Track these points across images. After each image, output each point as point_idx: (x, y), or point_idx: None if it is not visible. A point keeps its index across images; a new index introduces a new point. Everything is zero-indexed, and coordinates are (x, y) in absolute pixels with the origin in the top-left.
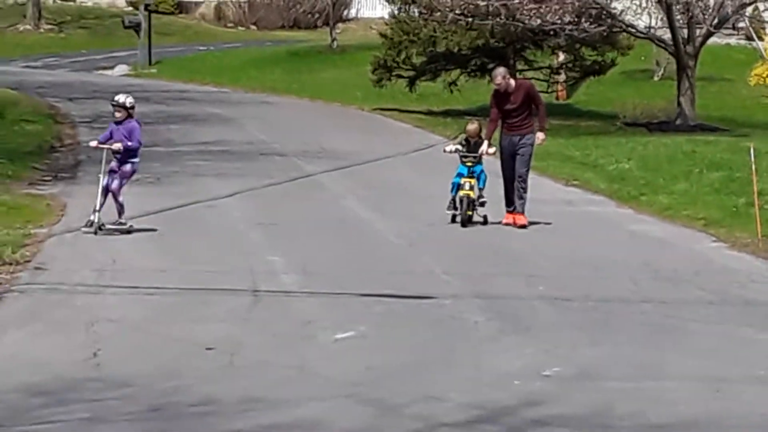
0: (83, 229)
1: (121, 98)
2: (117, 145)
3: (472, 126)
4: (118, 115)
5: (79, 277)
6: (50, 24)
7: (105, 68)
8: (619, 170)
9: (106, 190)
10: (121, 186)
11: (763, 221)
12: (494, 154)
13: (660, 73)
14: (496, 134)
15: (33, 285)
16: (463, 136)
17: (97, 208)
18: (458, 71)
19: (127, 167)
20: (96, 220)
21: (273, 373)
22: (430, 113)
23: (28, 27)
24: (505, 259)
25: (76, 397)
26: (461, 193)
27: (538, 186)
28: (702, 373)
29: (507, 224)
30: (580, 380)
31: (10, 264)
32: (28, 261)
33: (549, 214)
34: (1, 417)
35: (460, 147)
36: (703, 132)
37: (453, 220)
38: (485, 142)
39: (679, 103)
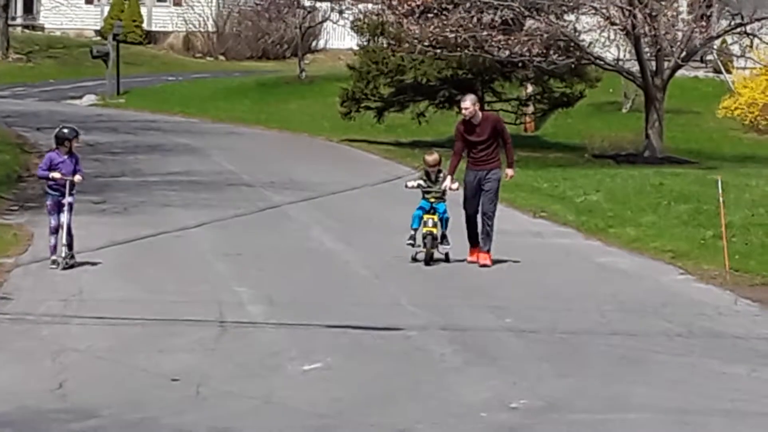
0: (51, 266)
1: (73, 128)
2: (78, 177)
3: (431, 157)
4: (75, 145)
5: (45, 308)
6: (18, 53)
7: (73, 98)
8: (587, 202)
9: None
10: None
11: (731, 254)
12: (457, 189)
13: (628, 106)
14: (461, 167)
15: None
16: (423, 169)
17: (65, 243)
18: (426, 102)
19: (72, 199)
20: (64, 256)
21: (239, 404)
22: (398, 144)
23: None
24: (472, 291)
25: (43, 428)
26: (424, 230)
27: (505, 217)
28: (668, 405)
29: (471, 262)
30: (546, 412)
31: None
32: None
33: (517, 245)
34: None
35: (421, 182)
36: (671, 164)
37: (414, 260)
38: (448, 177)
39: (647, 136)
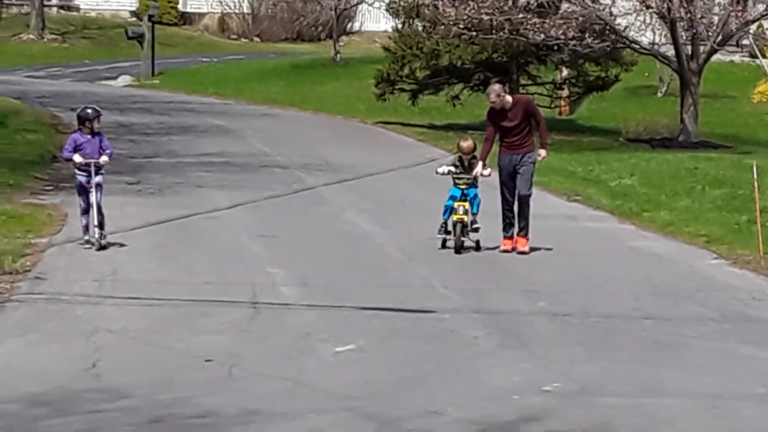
0: (84, 247)
1: (97, 108)
2: (105, 159)
3: (466, 143)
4: (97, 126)
5: (79, 287)
6: (54, 34)
7: (108, 79)
8: (622, 186)
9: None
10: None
11: (765, 239)
12: (489, 175)
13: (663, 90)
14: (493, 152)
15: (33, 295)
16: (457, 155)
17: (95, 223)
18: (461, 85)
19: (100, 179)
20: (98, 237)
21: (271, 385)
22: (432, 127)
23: (31, 37)
24: (505, 273)
25: (76, 408)
26: (454, 217)
27: (540, 201)
28: (701, 390)
29: (504, 251)
30: (579, 396)
31: (10, 273)
32: (28, 270)
33: (551, 229)
34: (2, 428)
35: (453, 168)
36: (705, 149)
37: (443, 246)
38: (480, 163)
39: (682, 120)
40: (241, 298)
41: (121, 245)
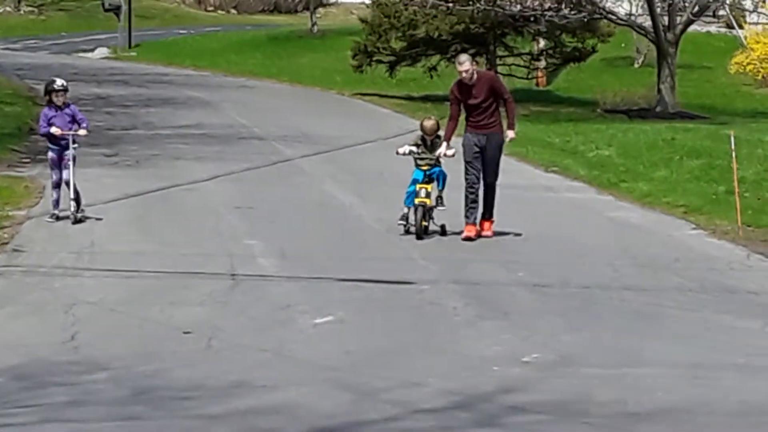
0: (47, 219)
1: (62, 82)
2: (83, 131)
3: (429, 123)
4: (61, 99)
5: (57, 260)
6: (30, 6)
7: (85, 51)
8: (599, 157)
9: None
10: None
11: (743, 209)
12: (453, 156)
13: (640, 61)
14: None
15: (11, 267)
16: (419, 134)
17: (72, 197)
18: (438, 57)
19: (73, 152)
20: (74, 211)
21: (251, 357)
22: (409, 98)
23: (8, 9)
24: (484, 245)
25: (56, 380)
26: (416, 201)
27: (518, 172)
28: (680, 359)
29: (467, 238)
30: (558, 366)
31: None
32: (6, 243)
33: (529, 200)
34: None
35: (414, 149)
36: (682, 119)
37: (407, 232)
38: (444, 144)
39: (659, 91)
40: (219, 270)
41: (99, 218)
